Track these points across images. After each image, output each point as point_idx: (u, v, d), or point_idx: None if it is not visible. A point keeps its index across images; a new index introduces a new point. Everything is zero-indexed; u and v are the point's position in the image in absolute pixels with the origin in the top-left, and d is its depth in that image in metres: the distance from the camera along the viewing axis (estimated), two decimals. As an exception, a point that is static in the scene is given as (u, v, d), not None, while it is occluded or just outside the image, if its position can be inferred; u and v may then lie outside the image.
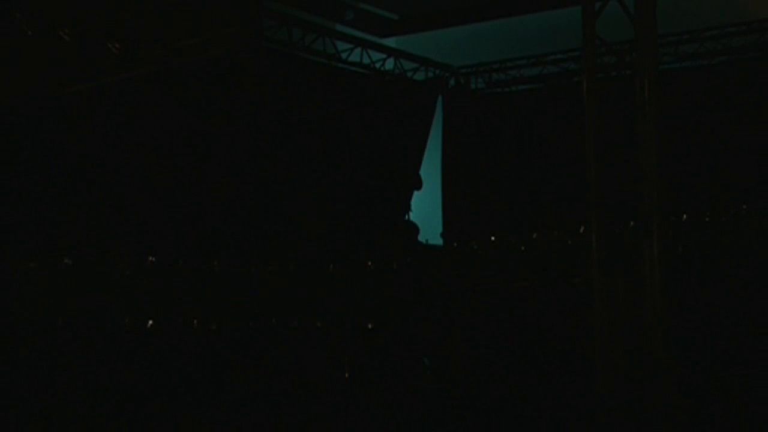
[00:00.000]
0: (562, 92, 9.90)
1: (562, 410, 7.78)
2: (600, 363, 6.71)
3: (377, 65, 9.90)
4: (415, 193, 10.12)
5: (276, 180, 8.74)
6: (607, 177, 6.81)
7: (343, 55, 9.54)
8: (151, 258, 8.03)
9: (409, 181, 10.04)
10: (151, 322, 7.89)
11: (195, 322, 8.03)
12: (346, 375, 8.34)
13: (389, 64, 10.13)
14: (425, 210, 10.35)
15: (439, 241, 10.33)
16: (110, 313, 7.93)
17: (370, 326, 8.68)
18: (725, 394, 7.63)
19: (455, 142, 10.71)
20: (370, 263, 9.04)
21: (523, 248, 9.39)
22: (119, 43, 7.95)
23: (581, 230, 8.71)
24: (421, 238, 9.89)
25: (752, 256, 8.38)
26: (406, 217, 9.85)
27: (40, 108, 8.15)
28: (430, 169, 10.56)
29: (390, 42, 11.25)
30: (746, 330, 8.02)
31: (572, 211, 8.33)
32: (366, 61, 9.77)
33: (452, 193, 10.67)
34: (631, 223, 7.73)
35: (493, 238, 9.64)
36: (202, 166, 8.31)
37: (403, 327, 8.93)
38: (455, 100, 10.75)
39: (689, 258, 8.57)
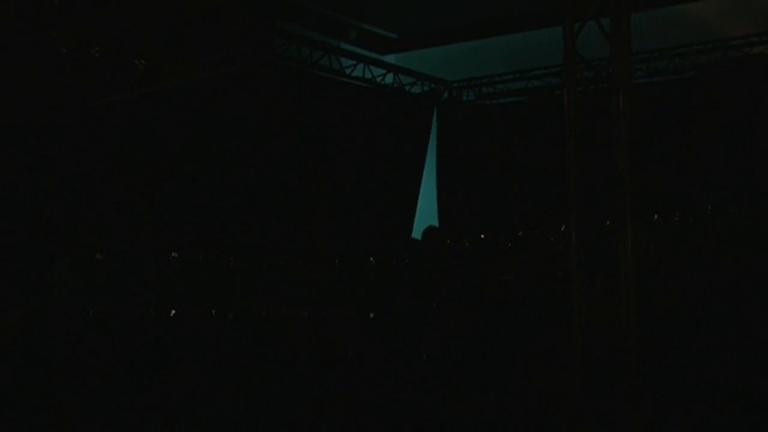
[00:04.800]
0: (545, 104, 9.99)
1: (542, 392, 7.88)
2: (576, 349, 6.81)
3: (378, 80, 10.00)
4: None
5: (287, 183, 8.82)
6: (585, 181, 6.90)
7: (347, 71, 9.66)
8: (173, 254, 8.14)
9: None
10: (173, 311, 7.99)
11: (213, 312, 8.13)
12: (349, 357, 8.43)
13: (389, 78, 10.22)
14: (423, 210, 10.43)
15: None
16: (137, 302, 8.04)
17: (372, 315, 8.77)
18: (692, 378, 7.72)
19: (448, 149, 10.79)
20: (372, 260, 9.12)
21: (509, 245, 9.48)
22: (145, 60, 8.08)
23: (562, 229, 8.81)
24: (415, 236, 9.97)
25: (716, 252, 8.49)
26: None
27: (73, 118, 8.27)
28: (427, 172, 10.64)
29: (389, 59, 11.34)
30: (711, 318, 8.12)
31: (553, 211, 8.41)
32: (368, 76, 9.88)
33: (447, 196, 10.74)
34: (607, 222, 7.82)
35: (482, 236, 9.74)
36: (219, 171, 8.41)
37: (401, 316, 9.01)
38: (449, 111, 10.85)
39: (660, 254, 8.67)
